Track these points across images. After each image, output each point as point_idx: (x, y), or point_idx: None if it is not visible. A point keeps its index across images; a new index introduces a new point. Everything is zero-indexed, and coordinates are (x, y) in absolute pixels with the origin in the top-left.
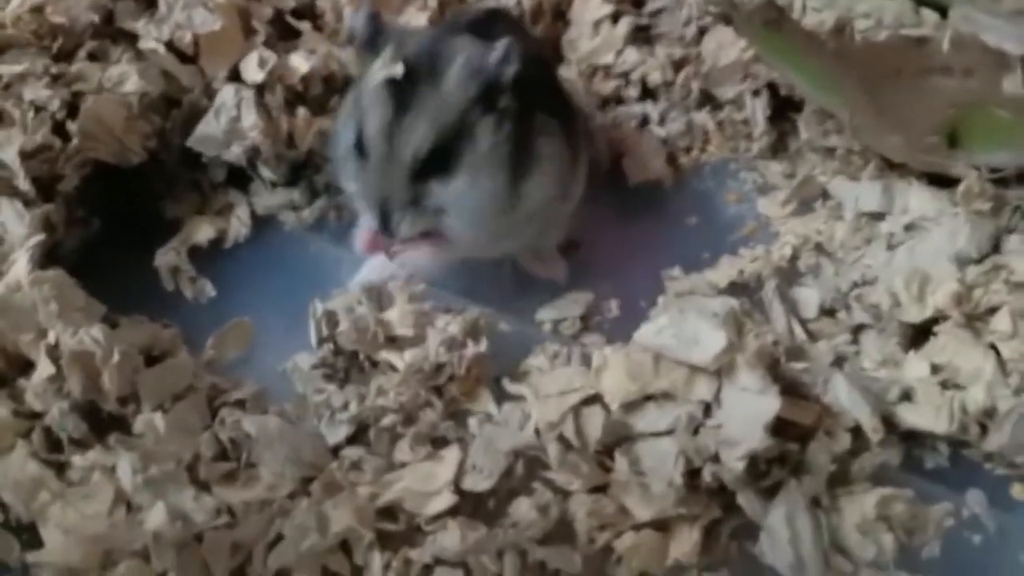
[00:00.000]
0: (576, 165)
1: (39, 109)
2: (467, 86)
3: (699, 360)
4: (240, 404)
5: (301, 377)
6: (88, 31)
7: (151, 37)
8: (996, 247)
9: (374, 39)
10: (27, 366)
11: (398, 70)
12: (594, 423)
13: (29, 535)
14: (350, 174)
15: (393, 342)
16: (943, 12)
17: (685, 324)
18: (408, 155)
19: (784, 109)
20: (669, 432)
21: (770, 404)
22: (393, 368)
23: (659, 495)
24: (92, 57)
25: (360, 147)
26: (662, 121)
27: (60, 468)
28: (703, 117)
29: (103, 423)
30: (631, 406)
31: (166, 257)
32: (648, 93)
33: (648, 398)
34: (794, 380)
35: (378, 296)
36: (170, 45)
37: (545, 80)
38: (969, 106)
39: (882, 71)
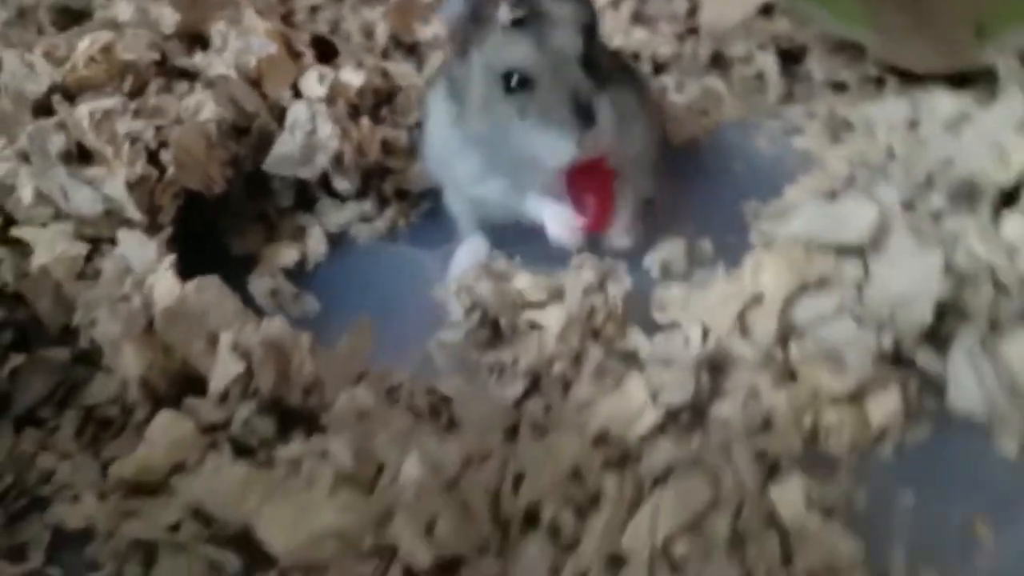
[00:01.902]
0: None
1: (134, 141)
2: (579, 14)
3: (854, 237)
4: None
5: (447, 354)
6: (152, 70)
7: (219, 65)
8: None
9: (476, 11)
10: (194, 385)
11: (521, 11)
12: (765, 319)
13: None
14: (505, 153)
15: (529, 306)
16: None
17: (832, 208)
18: (571, 51)
19: (786, 63)
20: (837, 314)
21: (934, 257)
22: (536, 327)
23: (856, 362)
24: (160, 94)
25: (514, 87)
26: (679, 89)
27: (259, 468)
28: (714, 80)
29: (288, 422)
30: (791, 299)
31: (261, 283)
32: (659, 67)
33: (803, 290)
34: None
35: (492, 273)
36: (236, 70)
37: None
38: None
39: None
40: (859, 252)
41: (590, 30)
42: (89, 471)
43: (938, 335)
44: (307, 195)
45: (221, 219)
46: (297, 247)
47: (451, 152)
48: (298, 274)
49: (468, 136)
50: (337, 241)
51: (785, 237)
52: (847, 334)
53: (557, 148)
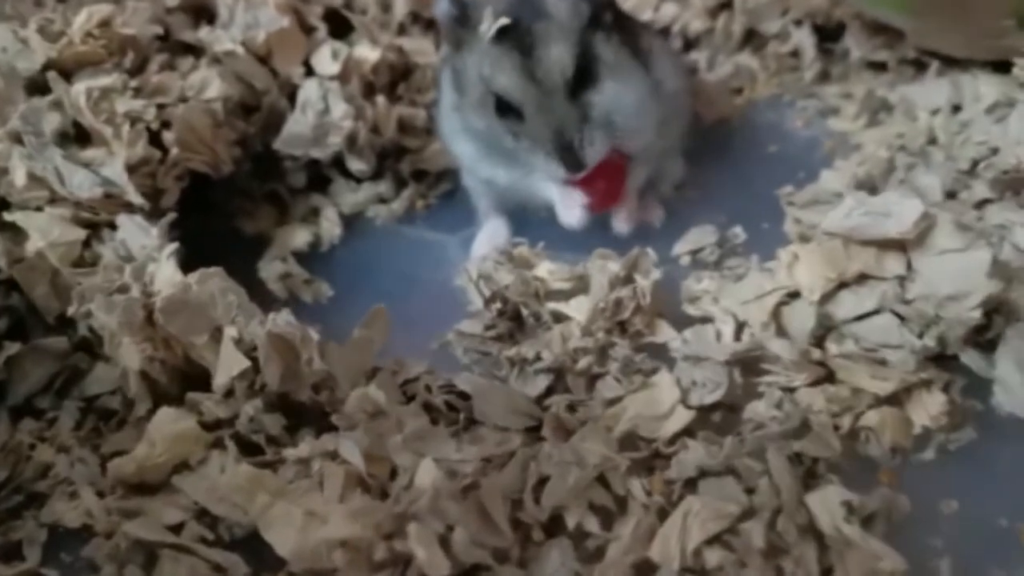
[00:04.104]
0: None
1: (134, 121)
2: (579, 11)
3: (896, 231)
4: (421, 378)
5: (468, 343)
6: (154, 44)
7: (226, 40)
8: None
9: (463, 14)
10: (196, 381)
11: (505, 20)
12: (802, 316)
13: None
14: (502, 149)
15: (552, 296)
16: None
17: (874, 201)
18: (558, 79)
19: (822, 40)
20: (877, 311)
21: (982, 254)
22: (559, 318)
23: (898, 363)
24: (162, 70)
25: (504, 108)
26: (710, 67)
27: (266, 468)
28: (746, 58)
29: (295, 418)
30: (829, 295)
31: (272, 267)
32: (689, 43)
33: (842, 286)
34: None
35: (513, 259)
36: (244, 46)
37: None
38: None
39: None
40: (901, 247)
41: (587, 28)
42: (88, 466)
43: (984, 333)
44: (321, 175)
45: (231, 199)
46: (310, 229)
47: (453, 134)
48: (312, 256)
49: (467, 126)
50: (352, 223)
51: (824, 230)
52: (889, 332)
53: (549, 171)
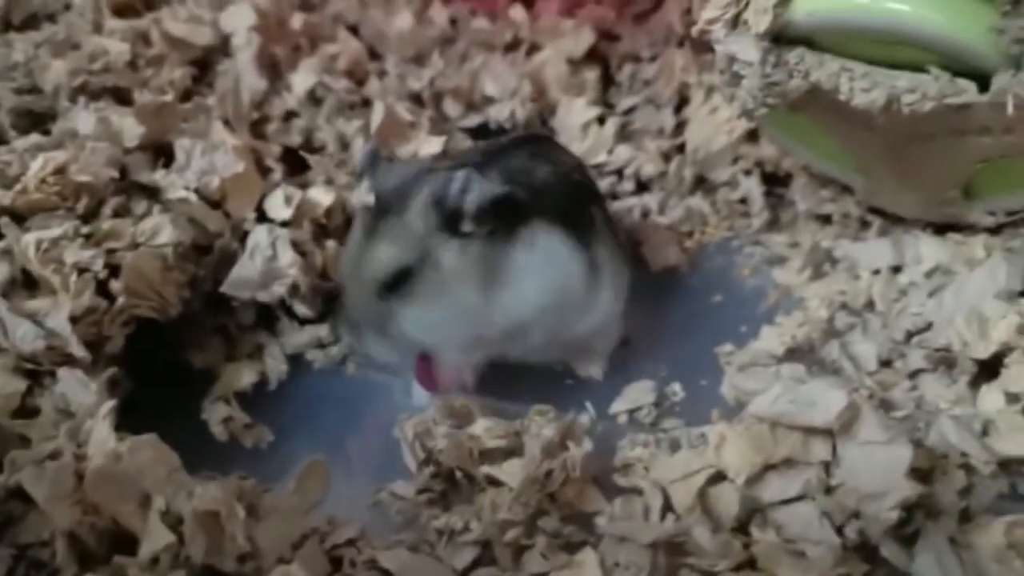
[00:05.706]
0: (595, 272)
1: (82, 271)
2: (428, 215)
3: (821, 421)
4: (352, 543)
5: (401, 506)
6: (110, 188)
7: (179, 186)
8: None
9: (368, 171)
10: (124, 543)
11: (369, 199)
12: (727, 500)
13: None
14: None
15: (487, 456)
16: (978, 79)
17: (799, 389)
18: (370, 277)
19: (772, 185)
20: (801, 497)
21: (902, 452)
22: (493, 482)
23: (816, 559)
24: (116, 214)
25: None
26: (661, 210)
27: None
28: (698, 202)
29: None
30: (755, 478)
31: (214, 409)
32: (642, 186)
33: (768, 468)
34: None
35: (452, 414)
36: (197, 192)
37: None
38: (998, 158)
39: (913, 137)
40: (827, 432)
41: (435, 234)
42: None
43: (905, 527)
44: (269, 313)
45: (182, 331)
46: (256, 367)
47: None
48: (257, 395)
49: None
50: (300, 359)
51: (751, 414)
52: (810, 524)
53: None
